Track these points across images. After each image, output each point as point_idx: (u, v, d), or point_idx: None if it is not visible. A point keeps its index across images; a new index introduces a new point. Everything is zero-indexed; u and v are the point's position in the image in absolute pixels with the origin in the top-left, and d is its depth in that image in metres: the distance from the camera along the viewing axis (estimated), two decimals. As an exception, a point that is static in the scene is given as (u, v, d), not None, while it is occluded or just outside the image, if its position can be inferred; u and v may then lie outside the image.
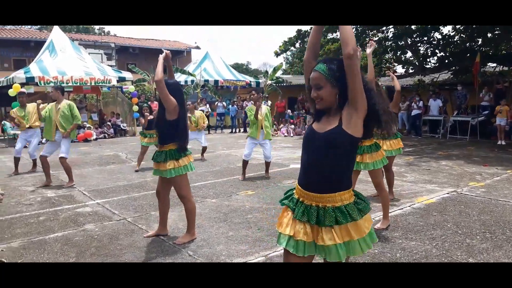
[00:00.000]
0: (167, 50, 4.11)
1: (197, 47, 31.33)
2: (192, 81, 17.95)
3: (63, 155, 6.62)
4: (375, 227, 4.14)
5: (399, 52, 16.01)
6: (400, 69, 17.98)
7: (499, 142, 10.95)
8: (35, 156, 8.05)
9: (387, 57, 16.73)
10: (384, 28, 14.95)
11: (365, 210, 1.97)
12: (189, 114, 9.11)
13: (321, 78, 1.95)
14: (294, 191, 2.10)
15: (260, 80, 19.59)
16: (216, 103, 17.82)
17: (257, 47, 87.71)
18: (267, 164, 7.10)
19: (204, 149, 9.36)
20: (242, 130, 17.51)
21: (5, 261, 3.61)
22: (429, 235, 4.01)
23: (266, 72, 19.85)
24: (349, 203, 1.94)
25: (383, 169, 5.27)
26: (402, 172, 7.25)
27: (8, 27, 32.99)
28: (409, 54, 16.35)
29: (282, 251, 3.63)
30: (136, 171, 7.85)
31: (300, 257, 2.01)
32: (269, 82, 18.90)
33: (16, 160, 7.90)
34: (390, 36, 15.29)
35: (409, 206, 5.06)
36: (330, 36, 16.05)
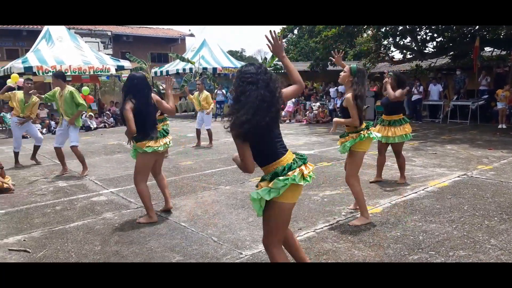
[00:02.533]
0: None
1: (191, 35, 31.07)
2: (191, 69, 17.82)
3: (74, 144, 6.60)
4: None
5: (397, 38, 16.00)
6: (398, 55, 17.99)
7: (500, 126, 11.06)
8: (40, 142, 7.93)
9: (385, 42, 16.72)
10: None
11: None
12: (195, 94, 9.48)
13: None
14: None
15: (259, 68, 19.48)
16: (215, 91, 17.74)
17: (250, 34, 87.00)
18: None
19: (209, 134, 9.47)
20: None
21: (30, 251, 3.62)
22: (447, 217, 4.08)
23: (265, 59, 19.75)
24: None
25: (381, 156, 5.65)
26: (409, 157, 7.31)
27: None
28: (408, 39, 16.35)
29: (307, 235, 3.70)
30: None
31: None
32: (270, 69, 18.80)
33: (16, 155, 7.74)
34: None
35: (423, 189, 5.12)
36: (328, 21, 15.96)
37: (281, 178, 2.32)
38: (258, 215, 2.48)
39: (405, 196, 4.86)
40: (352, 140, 4.03)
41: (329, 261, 3.19)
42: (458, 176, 5.74)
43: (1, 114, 13.84)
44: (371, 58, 16.63)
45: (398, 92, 5.26)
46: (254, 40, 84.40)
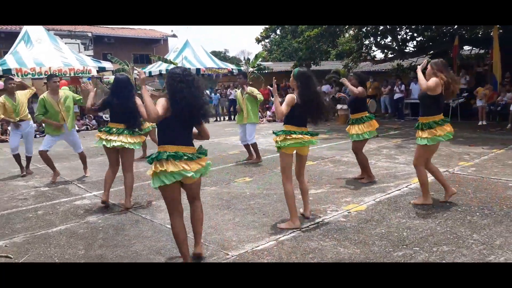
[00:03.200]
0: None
1: (174, 35, 30.80)
2: (174, 70, 17.67)
3: (81, 150, 6.66)
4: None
5: (379, 37, 16.21)
6: (379, 54, 18.22)
7: (479, 123, 11.30)
8: (32, 153, 7.11)
9: (367, 42, 16.92)
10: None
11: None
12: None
13: None
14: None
15: (242, 68, 19.46)
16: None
17: (233, 34, 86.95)
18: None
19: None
20: (226, 118, 17.45)
21: (11, 257, 3.54)
22: (430, 213, 4.14)
23: (248, 59, 19.72)
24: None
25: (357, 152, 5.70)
26: (392, 155, 7.41)
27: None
28: (388, 38, 16.58)
29: (292, 234, 3.71)
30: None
31: None
32: (251, 69, 18.80)
33: (17, 157, 6.96)
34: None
35: (406, 186, 5.20)
36: (310, 23, 16.06)
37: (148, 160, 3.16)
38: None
39: (388, 194, 4.92)
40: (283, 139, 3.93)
41: (315, 260, 3.21)
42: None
43: None
44: (353, 57, 16.81)
45: (360, 88, 5.57)
46: (237, 40, 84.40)
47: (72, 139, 6.54)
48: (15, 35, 15.74)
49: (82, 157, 6.73)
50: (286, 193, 3.95)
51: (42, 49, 14.44)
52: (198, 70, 18.26)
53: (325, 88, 16.68)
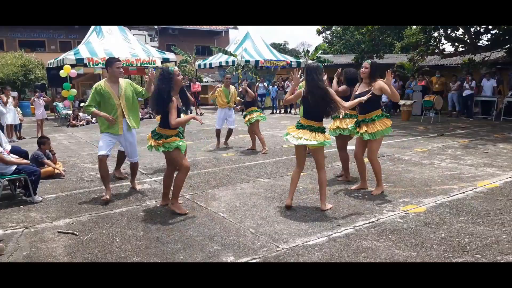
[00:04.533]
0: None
1: (235, 27, 31.25)
2: (233, 62, 17.93)
3: (136, 159, 5.28)
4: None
5: (449, 29, 15.23)
6: (449, 48, 17.13)
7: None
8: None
9: (436, 34, 15.98)
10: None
11: None
12: (221, 88, 8.12)
13: None
14: None
15: (301, 60, 19.29)
16: (257, 84, 17.75)
17: (294, 27, 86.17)
18: None
19: (229, 133, 8.38)
20: (283, 110, 17.42)
21: (77, 234, 3.81)
22: (496, 220, 3.86)
23: (307, 51, 19.49)
24: None
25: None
26: (458, 155, 6.98)
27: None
28: (460, 31, 15.53)
29: (345, 232, 3.63)
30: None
31: None
32: (310, 61, 18.57)
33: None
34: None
35: (472, 190, 4.87)
36: (375, 13, 15.46)
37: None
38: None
39: (451, 196, 4.65)
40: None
41: (367, 260, 3.12)
42: (511, 177, 5.41)
43: (54, 104, 14.62)
44: (420, 50, 15.97)
45: (344, 87, 5.34)
46: (297, 32, 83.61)
47: (131, 141, 5.11)
48: (87, 26, 16.83)
49: (134, 168, 5.32)
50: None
51: (112, 40, 15.32)
52: (257, 62, 18.38)
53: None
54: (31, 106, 13.51)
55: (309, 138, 4.11)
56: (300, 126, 4.26)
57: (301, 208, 4.40)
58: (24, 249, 3.48)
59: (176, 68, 4.52)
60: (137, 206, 4.61)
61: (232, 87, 8.18)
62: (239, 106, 8.85)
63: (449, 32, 15.17)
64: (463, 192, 4.78)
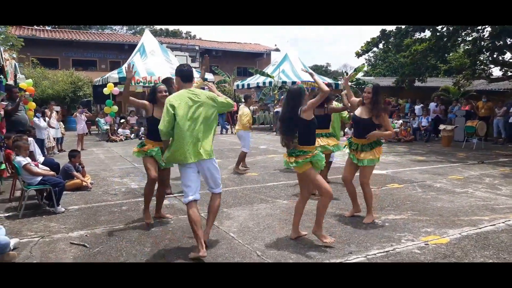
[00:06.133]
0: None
1: (277, 49, 31.60)
2: (270, 83, 18.07)
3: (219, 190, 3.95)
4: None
5: (496, 53, 14.54)
6: (497, 72, 16.33)
7: None
8: None
9: (482, 58, 15.31)
10: (479, 27, 13.67)
11: None
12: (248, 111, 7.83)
13: None
14: None
15: (339, 82, 19.09)
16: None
17: (337, 48, 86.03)
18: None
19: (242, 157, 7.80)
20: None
21: (88, 246, 3.87)
22: (527, 257, 3.52)
23: (346, 73, 19.27)
24: None
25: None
26: (496, 184, 6.52)
27: (106, 31, 36.13)
28: (508, 55, 14.78)
29: (355, 260, 3.45)
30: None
31: None
32: (349, 83, 18.33)
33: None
34: (486, 36, 13.93)
35: (503, 222, 4.50)
36: (417, 35, 15.09)
37: None
38: None
39: (480, 228, 4.32)
40: None
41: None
42: (552, 211, 4.96)
43: (96, 119, 15.31)
44: (465, 74, 15.34)
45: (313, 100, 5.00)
46: (340, 54, 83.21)
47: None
48: (135, 47, 17.65)
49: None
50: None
51: (154, 60, 15.92)
52: (293, 83, 18.40)
53: (432, 106, 15.48)
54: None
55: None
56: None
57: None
58: (35, 258, 3.59)
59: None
60: (152, 221, 4.64)
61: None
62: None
63: (495, 55, 14.48)
64: (494, 224, 4.43)
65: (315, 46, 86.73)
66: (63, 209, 5.05)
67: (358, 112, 4.61)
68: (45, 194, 5.39)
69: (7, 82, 8.03)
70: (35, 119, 9.03)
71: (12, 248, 3.61)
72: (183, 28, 44.17)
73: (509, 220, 4.56)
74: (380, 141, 4.61)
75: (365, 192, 4.58)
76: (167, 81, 5.63)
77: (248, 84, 19.50)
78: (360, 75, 20.14)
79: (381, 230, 4.30)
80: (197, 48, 24.13)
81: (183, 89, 3.75)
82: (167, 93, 4.43)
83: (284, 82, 18.02)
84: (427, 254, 3.63)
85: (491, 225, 4.40)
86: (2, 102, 6.97)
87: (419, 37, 15.21)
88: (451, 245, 3.85)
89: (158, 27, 40.15)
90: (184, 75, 3.84)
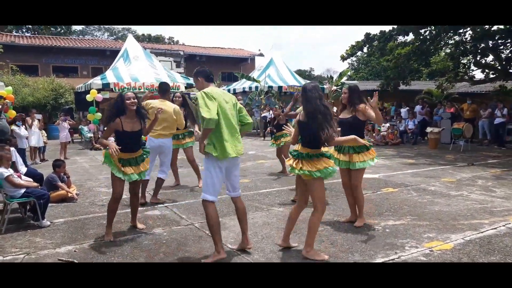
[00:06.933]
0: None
1: (261, 54, 31.57)
2: (256, 87, 17.95)
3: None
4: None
5: (478, 56, 14.78)
6: (479, 74, 16.60)
7: None
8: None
9: (465, 61, 15.53)
10: (461, 30, 13.86)
11: None
12: None
13: None
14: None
15: (325, 86, 19.11)
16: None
17: (321, 53, 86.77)
18: None
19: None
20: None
21: (76, 262, 3.64)
22: (534, 262, 3.45)
23: (331, 77, 19.34)
24: None
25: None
26: (489, 187, 6.51)
27: (87, 37, 35.53)
28: (490, 57, 15.03)
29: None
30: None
31: None
32: (334, 88, 18.37)
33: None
34: (468, 39, 14.13)
35: (504, 225, 4.45)
36: (401, 39, 15.22)
37: None
38: None
39: (481, 232, 4.25)
40: None
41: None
42: (549, 213, 4.94)
43: (79, 127, 14.92)
44: (448, 77, 15.53)
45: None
46: (324, 59, 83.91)
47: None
48: (117, 52, 17.30)
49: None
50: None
51: (138, 65, 15.61)
52: (280, 87, 18.36)
53: (417, 108, 15.62)
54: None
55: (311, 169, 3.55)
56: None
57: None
58: (20, 278, 3.33)
59: (130, 93, 4.30)
60: (144, 234, 4.43)
61: None
62: (269, 128, 8.60)
63: (478, 58, 14.71)
64: (495, 228, 4.37)
65: (298, 50, 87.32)
66: (48, 223, 4.79)
67: (342, 115, 4.62)
68: (28, 207, 5.11)
69: (-15, 90, 7.68)
70: (15, 127, 8.69)
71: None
72: (166, 34, 43.85)
73: (509, 223, 4.51)
74: (368, 145, 4.51)
75: (357, 195, 4.52)
76: (165, 85, 6.25)
77: (234, 89, 19.34)
78: (344, 79, 20.22)
79: (382, 237, 4.18)
80: (181, 53, 23.87)
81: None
82: (135, 100, 4.21)
83: (270, 87, 17.95)
84: (434, 261, 3.52)
85: (492, 229, 4.34)
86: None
87: (402, 40, 15.35)
88: (456, 250, 3.76)
89: (140, 32, 39.74)
90: (207, 75, 3.74)
